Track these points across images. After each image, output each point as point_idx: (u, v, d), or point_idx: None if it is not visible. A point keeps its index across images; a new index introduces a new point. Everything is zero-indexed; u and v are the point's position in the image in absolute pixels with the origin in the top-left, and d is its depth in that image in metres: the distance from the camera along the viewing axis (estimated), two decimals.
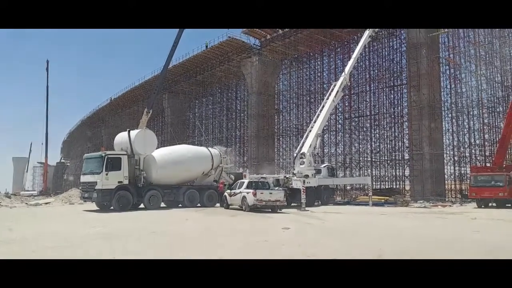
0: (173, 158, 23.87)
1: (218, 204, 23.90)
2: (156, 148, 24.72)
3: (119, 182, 21.11)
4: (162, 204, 23.15)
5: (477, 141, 31.67)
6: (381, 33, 35.54)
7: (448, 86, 32.23)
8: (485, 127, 30.95)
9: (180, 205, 23.49)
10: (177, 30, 27.53)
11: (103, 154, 21.51)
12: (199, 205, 23.69)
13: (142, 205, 22.05)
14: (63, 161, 79.25)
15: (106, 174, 20.69)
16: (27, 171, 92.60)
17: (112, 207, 20.97)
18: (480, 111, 30.98)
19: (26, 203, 30.62)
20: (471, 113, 31.74)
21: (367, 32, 29.94)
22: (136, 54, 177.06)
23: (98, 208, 21.40)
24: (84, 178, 22.18)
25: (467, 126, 31.92)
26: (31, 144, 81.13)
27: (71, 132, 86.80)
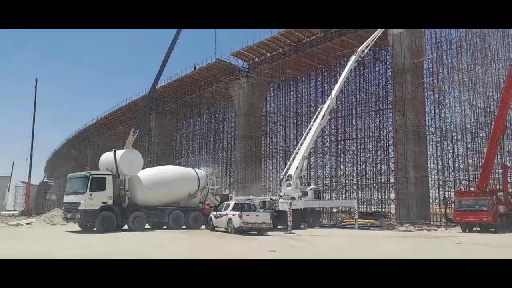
0: (159, 179, 23.68)
1: (203, 226, 23.64)
2: (142, 169, 24.52)
3: (103, 202, 20.80)
4: (147, 226, 22.84)
5: (461, 166, 32.00)
6: (367, 58, 36.18)
7: (433, 111, 32.73)
8: (468, 152, 31.35)
9: (165, 227, 23.20)
10: (165, 50, 27.70)
11: (88, 174, 21.27)
12: (184, 226, 23.43)
13: (126, 226, 21.72)
14: (46, 180, 78.04)
15: (90, 194, 20.39)
16: (8, 190, 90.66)
17: (95, 228, 20.61)
18: (464, 136, 31.41)
19: (7, 223, 29.94)
20: (455, 137, 32.16)
21: (353, 57, 30.49)
22: (124, 73, 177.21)
23: (81, 229, 21.00)
24: (67, 198, 21.77)
25: (451, 151, 32.27)
26: (13, 163, 79.77)
27: (56, 151, 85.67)
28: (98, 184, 20.85)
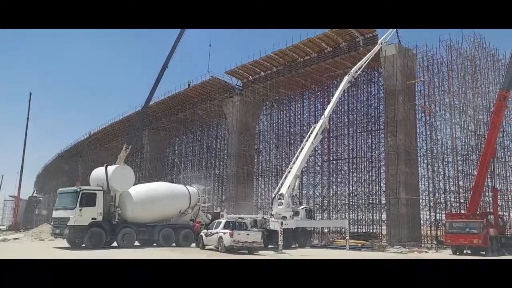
0: (150, 196, 23.53)
1: (193, 244, 23.43)
2: (133, 185, 24.37)
3: (92, 218, 20.60)
4: (136, 243, 22.58)
5: (452, 188, 32.13)
6: (359, 79, 36.58)
7: (424, 133, 32.97)
8: (459, 174, 31.51)
9: (154, 244, 22.95)
10: (160, 65, 27.92)
11: (78, 189, 21.08)
12: (174, 244, 23.20)
13: (115, 243, 21.45)
14: (36, 195, 77.26)
15: (80, 210, 20.21)
16: None
17: (83, 245, 20.34)
18: (455, 158, 31.61)
19: None
20: (446, 160, 32.37)
21: (346, 78, 30.78)
22: (118, 89, 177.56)
23: (69, 245, 20.71)
24: (56, 214, 21.53)
25: (442, 173, 32.44)
26: (2, 177, 78.79)
27: (47, 166, 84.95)
28: (88, 200, 20.68)
